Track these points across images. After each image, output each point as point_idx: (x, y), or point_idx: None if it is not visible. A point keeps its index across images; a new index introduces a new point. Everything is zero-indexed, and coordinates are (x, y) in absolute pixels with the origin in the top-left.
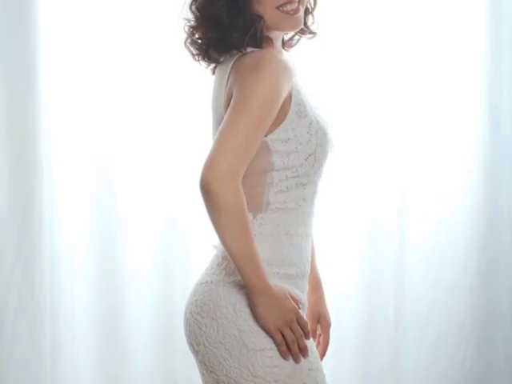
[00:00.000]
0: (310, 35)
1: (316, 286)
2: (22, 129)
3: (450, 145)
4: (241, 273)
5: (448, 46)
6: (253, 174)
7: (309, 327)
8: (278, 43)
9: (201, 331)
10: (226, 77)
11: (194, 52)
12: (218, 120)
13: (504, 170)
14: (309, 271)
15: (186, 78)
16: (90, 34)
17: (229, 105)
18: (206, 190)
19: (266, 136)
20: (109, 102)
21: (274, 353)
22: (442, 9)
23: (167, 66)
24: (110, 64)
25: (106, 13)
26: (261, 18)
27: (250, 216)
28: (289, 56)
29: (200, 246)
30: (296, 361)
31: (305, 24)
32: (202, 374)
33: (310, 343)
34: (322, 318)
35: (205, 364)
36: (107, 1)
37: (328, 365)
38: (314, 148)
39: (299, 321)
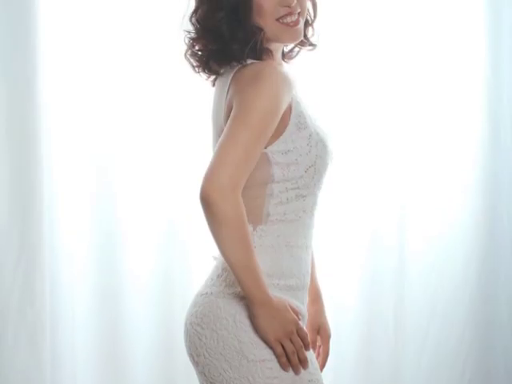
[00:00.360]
0: (310, 47)
1: (316, 298)
2: (22, 129)
3: (450, 157)
4: (241, 284)
5: (447, 54)
6: (253, 185)
7: (309, 338)
8: (278, 55)
9: (201, 342)
10: (226, 88)
11: (195, 64)
12: (218, 132)
13: (504, 181)
14: (309, 283)
15: (185, 78)
16: (90, 34)
17: (229, 117)
18: (206, 201)
19: (265, 148)
20: (109, 102)
21: (274, 364)
22: (440, 16)
23: (166, 66)
24: (110, 64)
25: (107, 13)
26: (261, 29)
27: (250, 228)
28: (289, 68)
29: (200, 257)
30: (296, 372)
31: (305, 36)
32: None
33: (310, 354)
34: (321, 330)
35: (205, 375)
36: (108, 1)
37: (328, 376)
38: (314, 160)
39: (299, 332)
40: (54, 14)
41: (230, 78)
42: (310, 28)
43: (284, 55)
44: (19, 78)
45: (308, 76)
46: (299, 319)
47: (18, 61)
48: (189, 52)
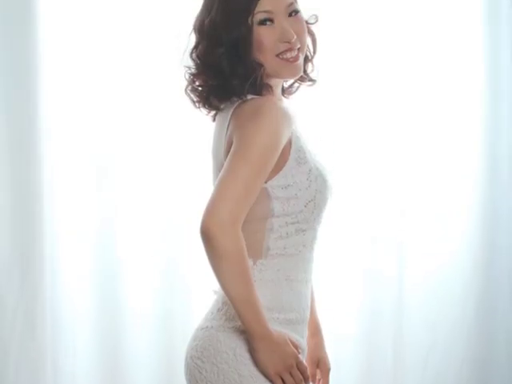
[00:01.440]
0: (310, 82)
1: (315, 331)
2: (22, 129)
3: (449, 189)
4: (241, 318)
5: (446, 70)
6: (253, 220)
7: (308, 372)
8: (278, 90)
9: (201, 376)
10: (227, 124)
11: (195, 99)
12: (218, 167)
13: (502, 215)
14: (308, 316)
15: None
16: (90, 34)
17: (229, 152)
18: (207, 236)
19: (265, 182)
20: (109, 103)
21: None
22: (438, 43)
23: (166, 66)
24: (109, 65)
25: (107, 13)
26: (261, 65)
27: (250, 262)
28: (288, 103)
29: (201, 291)
30: None
31: (304, 71)
32: None
33: None
34: (321, 363)
35: None
36: (108, 2)
37: None
38: (314, 194)
39: (299, 366)
40: (54, 12)
41: (230, 113)
42: (309, 64)
43: (284, 90)
44: (19, 78)
45: (308, 111)
46: (299, 353)
47: (18, 60)
48: (189, 87)
